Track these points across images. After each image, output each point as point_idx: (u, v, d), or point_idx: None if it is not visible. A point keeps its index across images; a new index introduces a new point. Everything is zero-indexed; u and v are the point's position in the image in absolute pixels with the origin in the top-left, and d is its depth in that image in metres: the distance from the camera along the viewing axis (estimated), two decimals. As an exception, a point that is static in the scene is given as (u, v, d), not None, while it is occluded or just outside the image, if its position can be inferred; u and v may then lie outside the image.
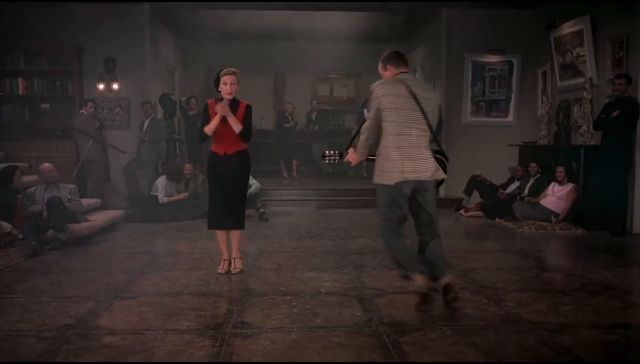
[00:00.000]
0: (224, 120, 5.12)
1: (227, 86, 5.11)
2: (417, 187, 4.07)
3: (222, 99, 5.17)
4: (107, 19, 10.01)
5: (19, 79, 9.94)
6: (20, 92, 9.93)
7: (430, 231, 4.20)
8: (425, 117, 4.08)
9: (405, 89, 4.06)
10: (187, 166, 9.28)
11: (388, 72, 4.25)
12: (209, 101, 5.27)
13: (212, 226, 5.37)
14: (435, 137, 4.26)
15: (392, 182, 4.02)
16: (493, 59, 10.47)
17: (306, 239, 7.18)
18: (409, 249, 4.21)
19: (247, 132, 5.20)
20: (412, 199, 4.11)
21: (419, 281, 4.04)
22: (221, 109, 5.06)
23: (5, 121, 10.01)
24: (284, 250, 6.53)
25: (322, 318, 4.05)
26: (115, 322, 3.96)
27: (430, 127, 4.13)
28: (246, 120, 5.21)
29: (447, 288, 4.16)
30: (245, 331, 3.77)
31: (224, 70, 5.16)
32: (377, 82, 4.15)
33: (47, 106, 10.09)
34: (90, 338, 3.66)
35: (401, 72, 4.18)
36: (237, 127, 5.12)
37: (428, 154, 4.12)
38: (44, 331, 3.75)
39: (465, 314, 4.13)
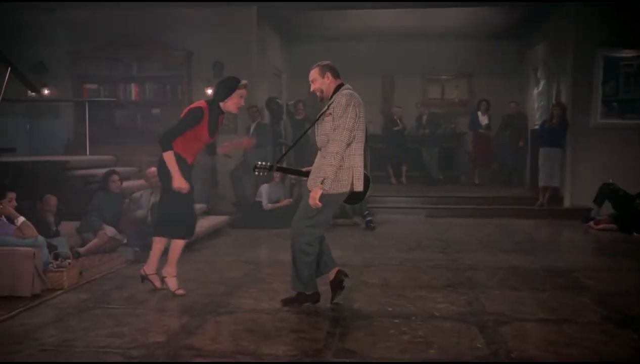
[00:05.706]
0: (211, 133, 4.77)
1: (242, 100, 4.78)
2: None
3: (213, 102, 4.73)
4: (215, 23, 9.99)
5: (132, 85, 10.17)
6: (133, 98, 10.15)
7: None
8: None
9: None
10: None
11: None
12: (203, 106, 4.68)
13: (191, 234, 4.91)
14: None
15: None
16: (629, 53, 9.38)
17: (415, 251, 6.63)
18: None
19: None
20: None
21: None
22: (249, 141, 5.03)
23: (117, 125, 10.27)
24: (391, 263, 6.02)
25: (436, 348, 3.51)
26: (207, 342, 3.64)
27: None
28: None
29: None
30: (348, 360, 3.31)
31: (243, 81, 4.71)
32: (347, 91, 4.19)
33: (157, 111, 10.24)
34: (178, 358, 3.36)
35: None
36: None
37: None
38: (132, 349, 3.50)
39: (612, 352, 3.44)
